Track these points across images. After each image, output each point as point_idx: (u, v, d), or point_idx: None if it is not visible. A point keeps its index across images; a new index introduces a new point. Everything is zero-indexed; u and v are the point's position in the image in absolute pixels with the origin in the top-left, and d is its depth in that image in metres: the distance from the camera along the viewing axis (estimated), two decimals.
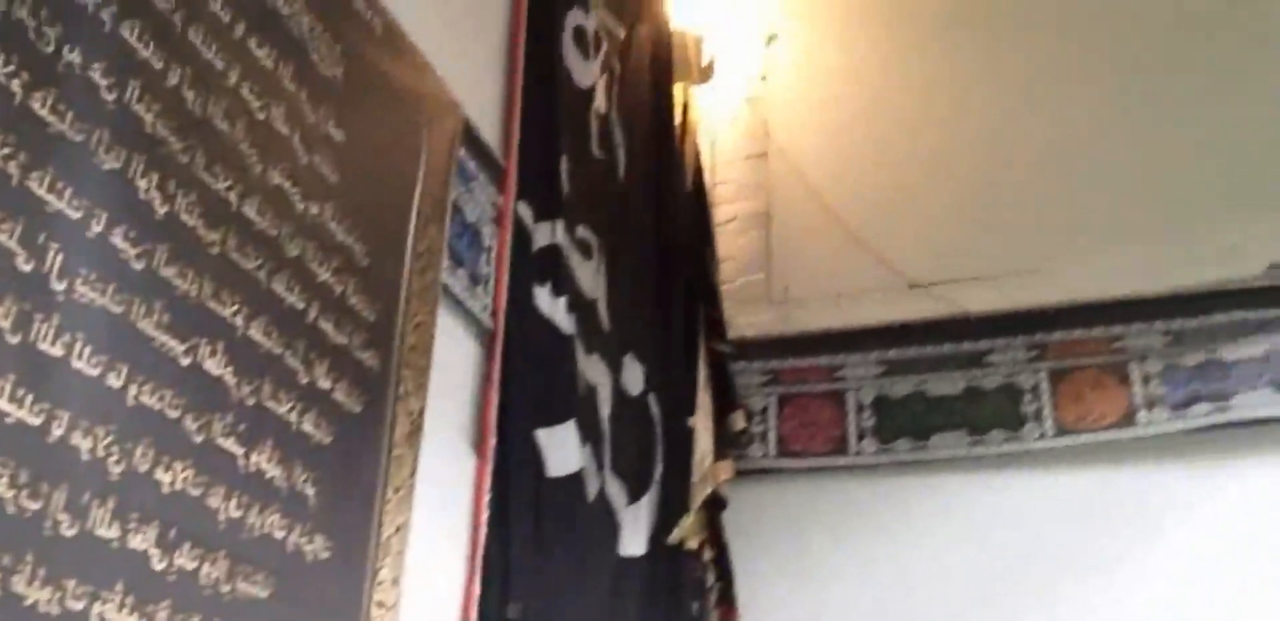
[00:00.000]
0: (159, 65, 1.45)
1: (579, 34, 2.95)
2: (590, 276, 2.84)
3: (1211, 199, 3.28)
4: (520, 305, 2.44)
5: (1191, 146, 3.37)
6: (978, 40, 3.67)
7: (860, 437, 3.35)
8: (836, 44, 3.82)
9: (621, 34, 3.30)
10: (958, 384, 3.33)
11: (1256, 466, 3.01)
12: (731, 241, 3.70)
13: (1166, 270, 3.18)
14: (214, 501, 1.45)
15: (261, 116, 1.64)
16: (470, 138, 2.36)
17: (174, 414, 1.40)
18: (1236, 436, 3.03)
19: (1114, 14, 3.57)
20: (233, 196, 1.56)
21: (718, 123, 3.85)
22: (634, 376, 2.99)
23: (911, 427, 3.32)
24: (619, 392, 2.87)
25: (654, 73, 3.50)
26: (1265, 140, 3.30)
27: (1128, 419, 3.13)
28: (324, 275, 1.74)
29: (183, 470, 1.40)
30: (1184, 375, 3.12)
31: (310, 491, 1.64)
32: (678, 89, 3.61)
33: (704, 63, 3.72)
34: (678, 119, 3.58)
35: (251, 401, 1.54)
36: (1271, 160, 3.27)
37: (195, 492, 1.42)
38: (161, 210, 1.42)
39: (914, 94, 3.68)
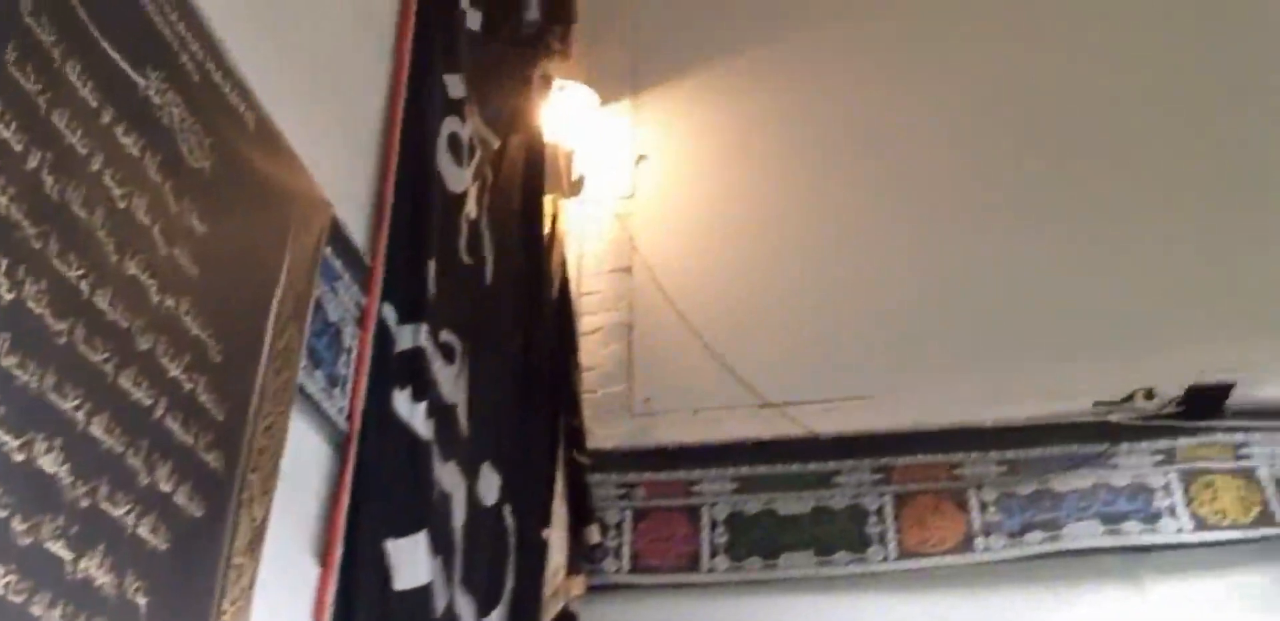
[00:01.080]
0: (18, 147, 1.40)
1: (454, 141, 2.97)
2: (451, 381, 2.79)
3: (1043, 336, 3.45)
4: (378, 409, 2.38)
5: (1024, 286, 3.55)
6: (832, 172, 3.83)
7: (713, 555, 3.33)
8: (702, 167, 3.94)
9: (496, 144, 3.34)
10: (807, 503, 3.35)
11: (1087, 594, 3.08)
12: (595, 352, 3.71)
13: (1002, 402, 3.32)
14: (37, 609, 1.34)
15: (122, 205, 1.59)
16: (338, 236, 2.33)
17: (0, 513, 1.31)
18: (1069, 564, 3.12)
19: (951, 154, 3.77)
20: (85, 285, 1.49)
21: (586, 235, 3.90)
22: (490, 486, 2.93)
23: (762, 546, 3.32)
24: (474, 502, 2.80)
25: (526, 183, 3.53)
26: (1092, 286, 3.49)
27: (966, 544, 3.20)
28: (175, 371, 1.67)
29: (5, 575, 1.30)
30: (1018, 503, 3.22)
31: (141, 601, 1.53)
32: (548, 200, 3.66)
33: (575, 177, 3.79)
34: (547, 229, 3.62)
35: (86, 503, 1.45)
36: (1098, 305, 3.46)
37: (16, 599, 1.31)
38: (8, 296, 1.35)
39: (771, 219, 3.80)
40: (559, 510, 3.22)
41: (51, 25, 1.48)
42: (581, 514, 3.33)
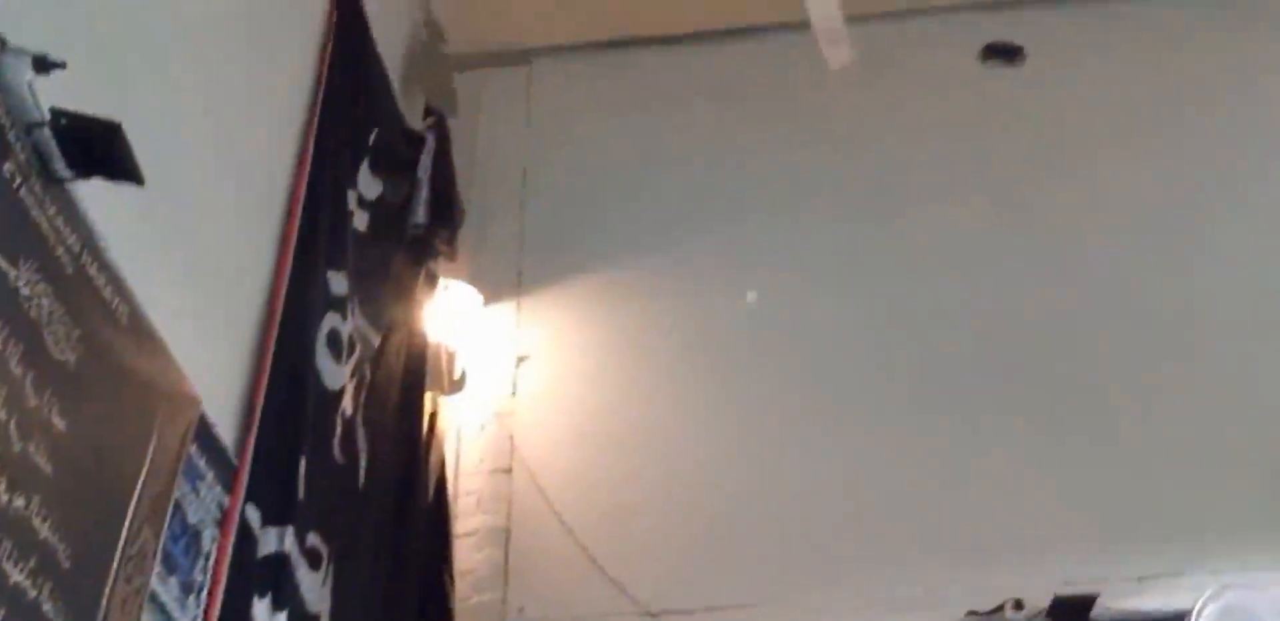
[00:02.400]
0: None
1: (333, 337, 2.94)
2: (316, 589, 2.66)
3: (918, 545, 3.47)
4: (235, 619, 2.24)
5: (898, 496, 3.58)
6: (712, 377, 3.88)
7: None
8: (584, 369, 3.95)
9: (376, 341, 3.31)
10: None
11: None
12: (469, 556, 3.58)
13: (878, 611, 3.31)
14: None
15: None
16: (205, 433, 2.25)
17: None
18: None
19: (828, 364, 3.86)
20: None
21: (465, 434, 3.83)
22: None
23: None
24: None
25: (406, 381, 3.49)
26: (964, 497, 3.54)
27: None
28: (17, 576, 1.55)
29: None
30: None
31: None
32: (428, 398, 3.61)
33: (456, 375, 3.76)
34: (425, 428, 3.56)
35: None
36: (969, 516, 3.50)
37: None
38: None
39: (653, 423, 3.80)
40: None
41: None
42: None
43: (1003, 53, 4.40)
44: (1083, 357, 3.77)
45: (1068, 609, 3.24)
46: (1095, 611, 3.23)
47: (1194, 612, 3.12)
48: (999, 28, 4.42)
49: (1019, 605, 3.28)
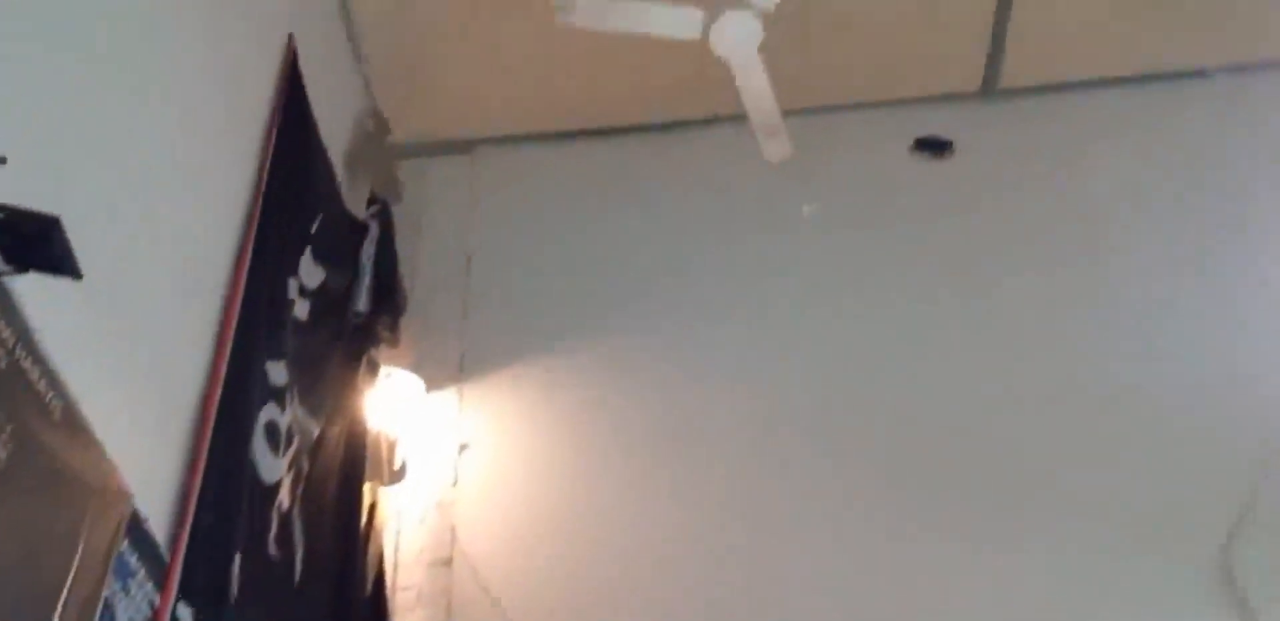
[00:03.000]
0: None
1: (271, 429, 2.90)
2: None
3: None
4: None
5: (844, 579, 3.57)
6: (655, 467, 3.85)
7: None
8: (527, 458, 3.92)
9: (315, 432, 3.27)
10: None
11: None
12: None
13: None
14: None
15: None
16: (136, 530, 2.19)
17: None
18: None
19: (774, 454, 3.85)
20: None
21: (405, 526, 3.77)
22: None
23: None
24: None
25: (345, 472, 3.45)
26: (910, 580, 3.55)
27: None
28: None
29: None
30: None
31: None
32: (368, 489, 3.56)
33: (396, 465, 3.71)
34: (364, 520, 3.50)
35: None
36: (915, 600, 3.50)
37: None
38: None
39: (595, 514, 3.77)
40: None
41: None
42: None
43: (932, 147, 4.54)
44: (1020, 441, 3.80)
45: None
46: None
47: None
48: (929, 122, 4.56)
49: None
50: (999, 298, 4.16)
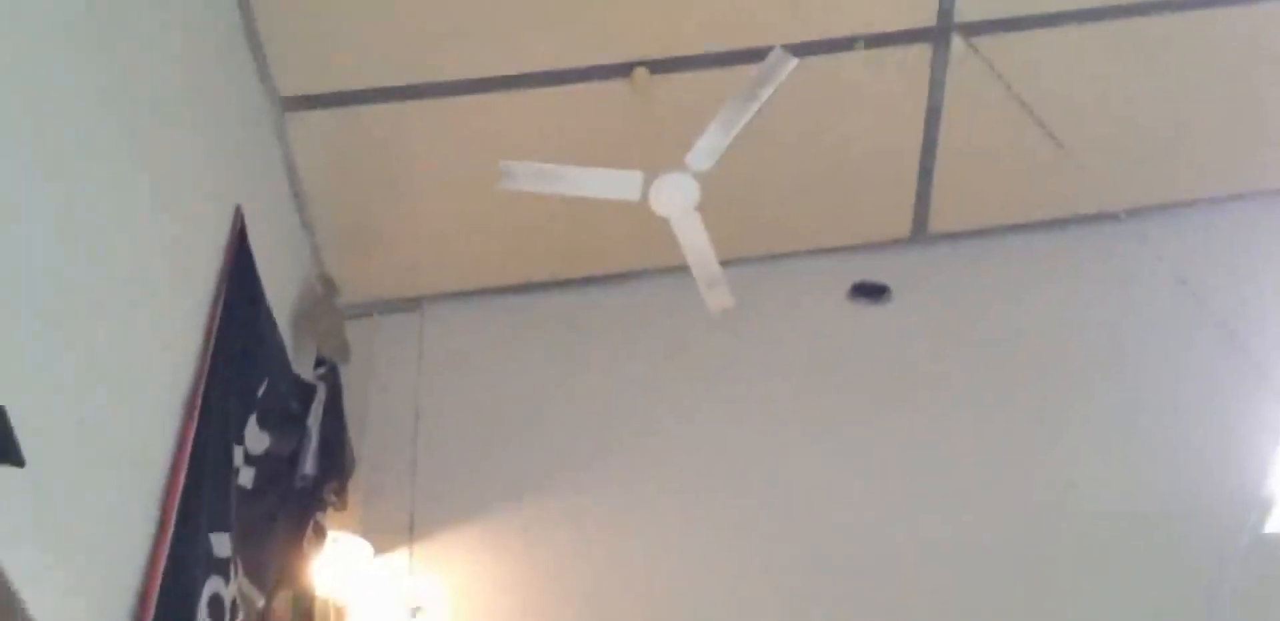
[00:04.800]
0: None
1: (215, 603, 2.84)
2: None
3: None
4: None
5: None
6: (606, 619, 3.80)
7: None
8: (480, 619, 3.84)
9: (260, 601, 3.20)
10: None
11: None
12: None
13: None
14: None
15: None
16: None
17: None
18: None
19: (725, 596, 3.83)
20: None
21: None
22: None
23: None
24: None
25: None
26: None
27: None
28: None
29: None
30: None
31: None
32: None
33: None
34: None
35: None
36: None
37: None
38: None
39: None
40: None
41: None
42: None
43: (869, 291, 4.67)
44: (968, 578, 3.81)
45: None
46: None
47: None
48: (864, 268, 4.71)
49: None
50: (939, 430, 4.23)
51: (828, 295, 4.71)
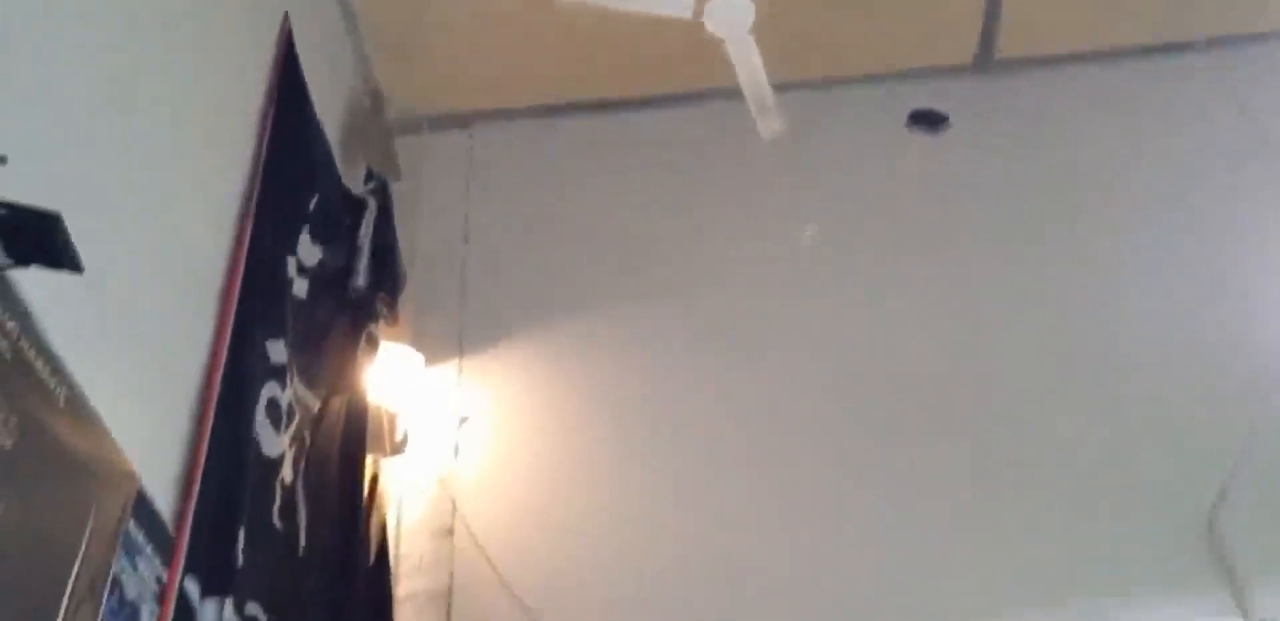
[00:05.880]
0: None
1: (272, 406, 2.97)
2: None
3: (865, 613, 3.52)
4: None
5: (838, 549, 3.65)
6: (654, 437, 3.93)
7: None
8: (526, 430, 4.00)
9: (316, 406, 3.35)
10: None
11: None
12: (410, 620, 3.59)
13: None
14: None
15: None
16: (143, 508, 2.26)
17: None
18: None
19: (774, 423, 3.93)
20: None
21: (407, 497, 3.86)
22: None
23: None
24: None
25: (346, 444, 3.52)
26: (901, 549, 3.62)
27: None
28: None
29: None
30: None
31: None
32: (369, 462, 3.64)
33: (397, 438, 3.79)
34: (366, 491, 3.58)
35: None
36: (907, 568, 3.58)
37: None
38: None
39: (594, 483, 3.84)
40: None
41: None
42: None
43: (927, 120, 4.57)
44: (1008, 409, 3.88)
45: None
46: None
47: None
48: (923, 95, 4.59)
49: None
50: (993, 266, 4.22)
51: (884, 123, 4.61)
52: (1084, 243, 4.23)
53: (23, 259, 1.84)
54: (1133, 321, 4.03)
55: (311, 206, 3.50)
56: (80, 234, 1.89)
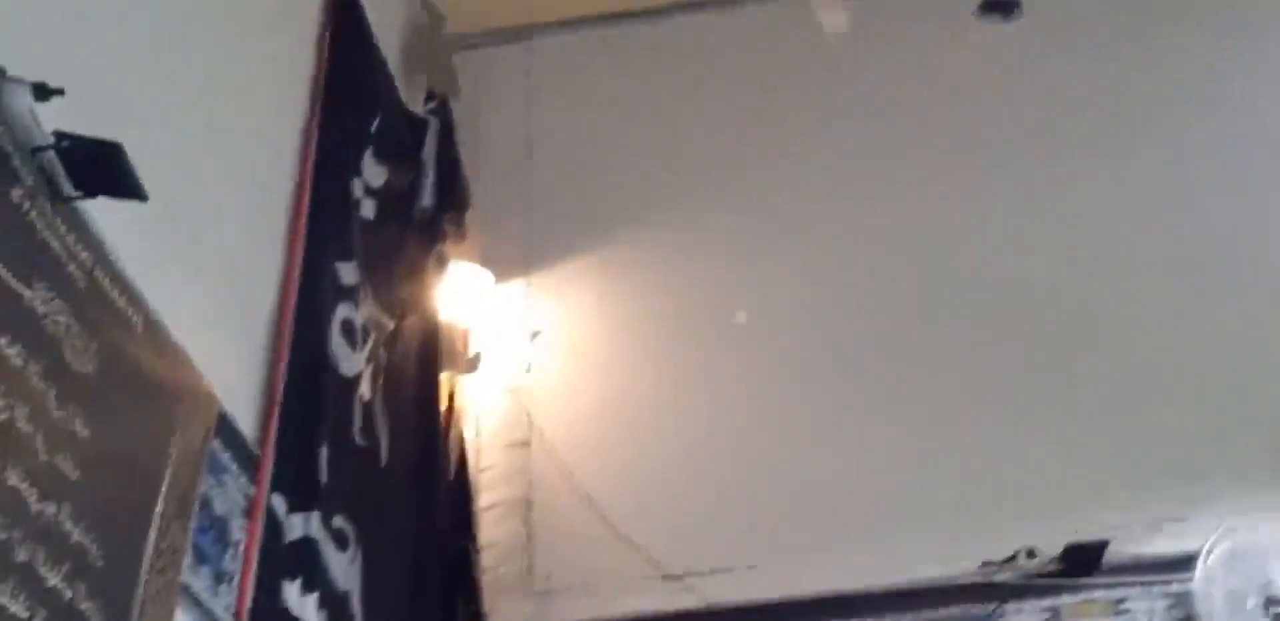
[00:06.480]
0: None
1: (347, 326, 3.04)
2: (344, 568, 2.77)
3: (927, 505, 3.54)
4: (267, 603, 2.35)
5: (909, 455, 3.66)
6: (724, 346, 3.95)
7: None
8: (596, 342, 4.04)
9: (390, 325, 3.41)
10: None
11: None
12: (492, 528, 3.70)
13: (893, 567, 3.39)
14: None
15: (3, 416, 1.61)
16: (226, 429, 2.34)
17: None
18: None
19: (841, 328, 3.92)
20: None
21: (483, 411, 3.94)
22: None
23: None
24: None
25: (421, 362, 3.59)
26: (974, 451, 3.62)
27: None
28: (54, 580, 1.66)
29: None
30: None
31: None
32: (444, 378, 3.71)
33: (471, 354, 3.85)
34: (443, 407, 3.66)
35: None
36: (978, 469, 3.58)
37: None
38: None
39: (666, 392, 3.89)
40: None
41: None
42: None
43: (1000, 7, 4.38)
44: (1080, 306, 3.82)
45: (1080, 555, 3.30)
46: (1108, 556, 3.29)
47: (1202, 554, 3.21)
48: None
49: (1032, 553, 3.37)
50: (1070, 162, 4.10)
51: (953, 10, 4.43)
52: (1164, 133, 4.09)
53: (89, 189, 1.88)
54: (1214, 221, 3.91)
55: (374, 128, 3.52)
56: (144, 163, 1.93)
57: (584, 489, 3.71)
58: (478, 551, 3.55)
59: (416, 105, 4.02)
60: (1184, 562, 3.27)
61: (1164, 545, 3.35)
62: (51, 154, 1.84)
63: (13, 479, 1.61)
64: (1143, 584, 3.28)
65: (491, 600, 3.48)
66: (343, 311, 3.04)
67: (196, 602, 2.13)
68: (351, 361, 3.07)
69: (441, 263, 3.85)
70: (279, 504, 2.51)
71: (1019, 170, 4.11)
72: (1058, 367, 3.72)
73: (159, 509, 1.98)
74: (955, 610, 3.32)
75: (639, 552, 3.56)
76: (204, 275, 2.44)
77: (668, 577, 3.51)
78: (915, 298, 3.93)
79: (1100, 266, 3.88)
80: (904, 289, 3.96)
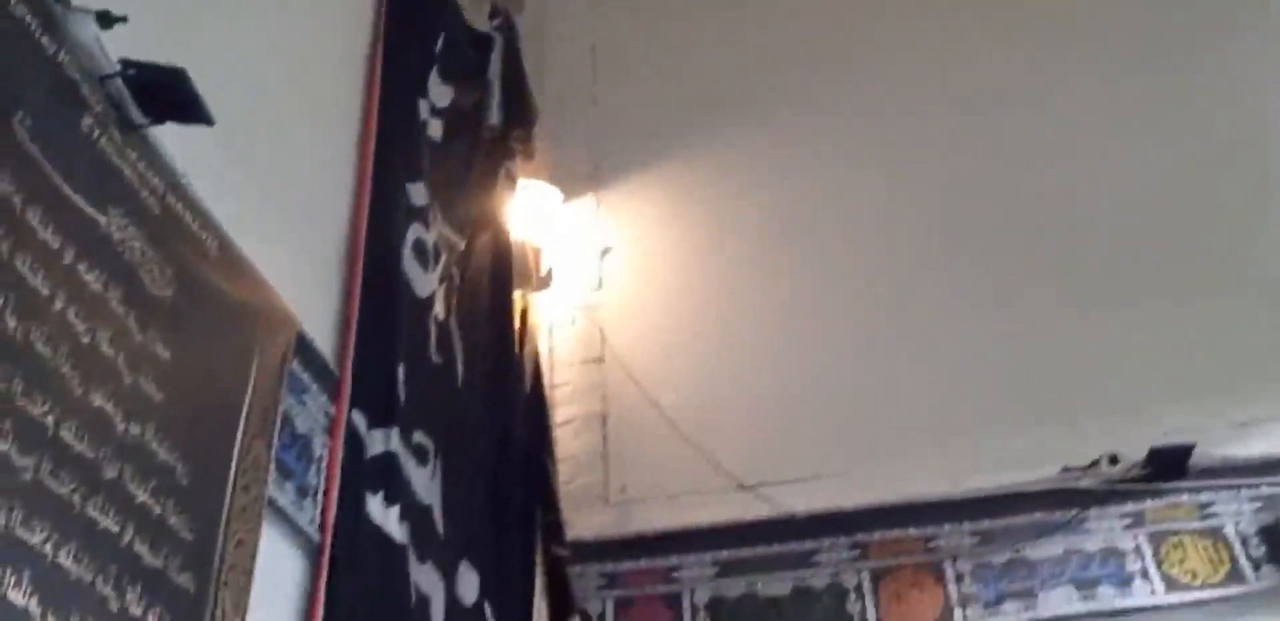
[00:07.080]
0: None
1: (419, 247, 3.07)
2: (425, 482, 2.84)
3: (1007, 408, 3.52)
4: (351, 516, 2.42)
5: (986, 360, 3.64)
6: (794, 259, 3.93)
7: None
8: (666, 257, 4.05)
9: (461, 245, 3.44)
10: (787, 584, 3.39)
11: None
12: (569, 442, 3.77)
13: (972, 473, 3.38)
14: None
15: (86, 340, 1.67)
16: (304, 349, 2.39)
17: None
18: None
19: (912, 238, 3.88)
20: (50, 421, 1.56)
21: (556, 328, 3.98)
22: (469, 584, 2.96)
23: None
24: (453, 602, 2.84)
25: (494, 281, 3.62)
26: (1050, 357, 3.58)
27: (945, 617, 3.23)
28: (142, 496, 1.73)
29: None
30: (993, 574, 3.26)
31: None
32: (517, 296, 3.75)
33: (543, 272, 3.88)
34: (517, 324, 3.70)
35: None
36: (1058, 373, 3.54)
37: None
38: None
39: (737, 305, 3.90)
40: (540, 605, 3.25)
41: (12, 177, 1.57)
42: (563, 607, 3.36)
43: None
44: (1167, 206, 3.73)
45: (1165, 459, 3.24)
46: (1193, 460, 3.23)
47: None
48: None
49: (1114, 459, 3.32)
50: (1139, 70, 3.98)
51: None
52: (1239, 37, 3.93)
53: (157, 116, 1.91)
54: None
55: (438, 47, 3.50)
56: (211, 89, 1.95)
57: (658, 402, 3.75)
58: (555, 464, 3.61)
59: (481, 22, 3.98)
60: (1273, 465, 3.22)
61: (1251, 447, 3.28)
62: (119, 81, 1.87)
63: (98, 400, 1.67)
64: (1229, 487, 3.23)
65: (570, 511, 3.55)
66: (414, 232, 3.07)
67: (283, 516, 2.20)
68: (424, 281, 3.10)
69: (510, 180, 3.86)
70: (359, 420, 2.57)
71: (1089, 69, 4.01)
72: (1142, 268, 3.66)
73: (242, 427, 2.04)
74: (1036, 516, 3.30)
75: (712, 464, 3.60)
76: (275, 199, 2.48)
77: (741, 487, 3.55)
78: (990, 203, 3.87)
79: (1182, 163, 3.77)
80: (979, 192, 3.90)
